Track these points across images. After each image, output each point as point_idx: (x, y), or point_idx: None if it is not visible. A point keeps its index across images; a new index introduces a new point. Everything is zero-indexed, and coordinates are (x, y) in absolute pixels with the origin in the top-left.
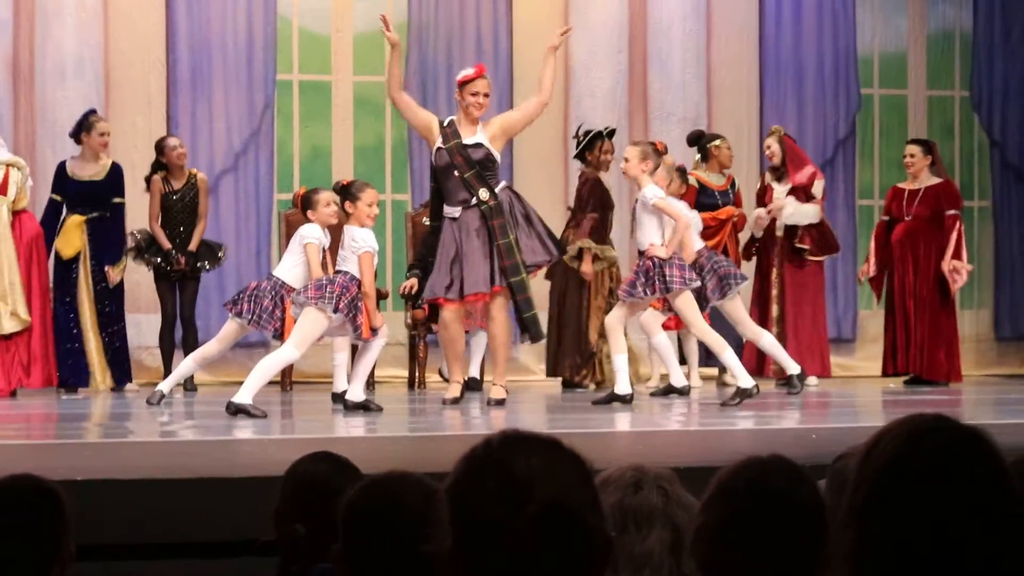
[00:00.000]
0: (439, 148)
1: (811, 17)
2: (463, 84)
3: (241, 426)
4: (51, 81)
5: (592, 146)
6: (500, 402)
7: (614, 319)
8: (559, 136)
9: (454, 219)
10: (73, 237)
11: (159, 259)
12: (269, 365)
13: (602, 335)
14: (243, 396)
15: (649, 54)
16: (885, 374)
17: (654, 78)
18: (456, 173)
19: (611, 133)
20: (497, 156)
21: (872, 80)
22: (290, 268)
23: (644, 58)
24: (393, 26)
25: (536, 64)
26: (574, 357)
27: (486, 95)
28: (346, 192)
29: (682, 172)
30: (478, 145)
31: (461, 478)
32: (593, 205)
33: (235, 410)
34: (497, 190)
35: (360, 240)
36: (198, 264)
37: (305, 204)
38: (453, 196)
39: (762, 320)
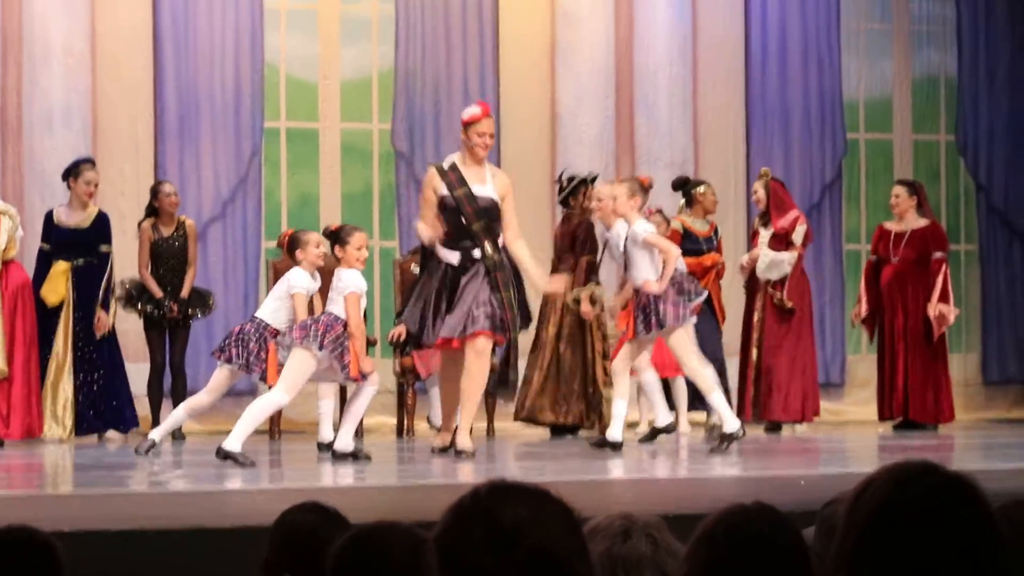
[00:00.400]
0: (444, 196)
1: (797, 62)
2: (469, 124)
3: (230, 476)
4: (39, 129)
5: (576, 192)
6: (467, 454)
7: (621, 362)
8: (546, 180)
9: (452, 266)
10: (59, 284)
11: (150, 307)
12: (258, 409)
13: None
14: (232, 443)
15: (636, 99)
16: (882, 418)
17: (641, 123)
18: (464, 222)
19: (594, 179)
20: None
21: (858, 124)
22: (273, 311)
23: (631, 103)
24: (380, 74)
25: (522, 109)
26: (577, 402)
27: (491, 135)
28: (335, 236)
29: (659, 213)
30: (488, 196)
31: (449, 527)
32: (590, 247)
33: (224, 455)
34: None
35: (346, 281)
36: (190, 311)
37: (292, 245)
38: (456, 241)
39: (743, 364)
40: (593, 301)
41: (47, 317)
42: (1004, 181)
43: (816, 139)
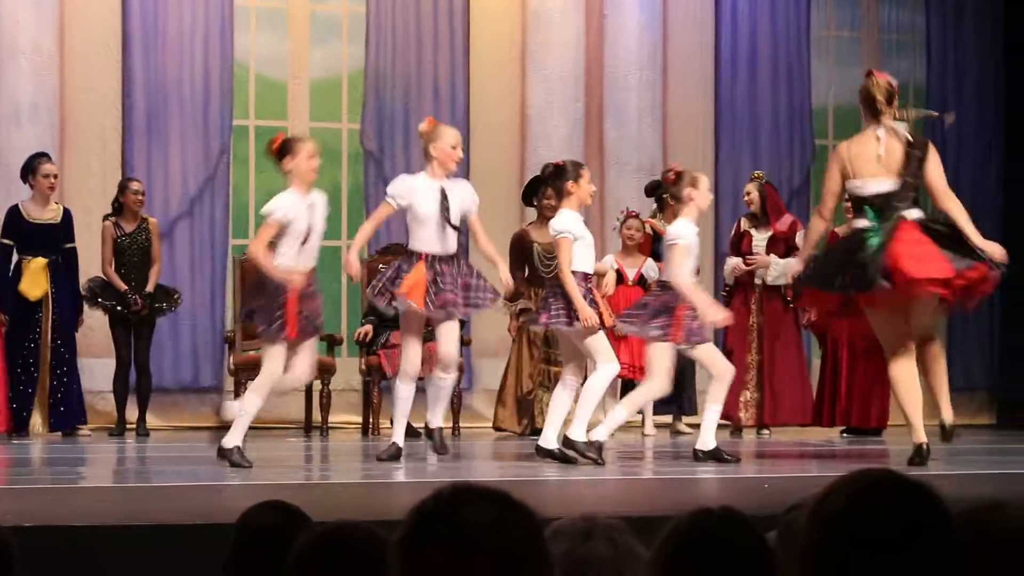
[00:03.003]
0: None
1: (766, 69)
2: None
3: (192, 473)
4: (7, 126)
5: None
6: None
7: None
8: (515, 183)
9: None
10: (40, 279)
11: (115, 303)
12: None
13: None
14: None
15: (606, 103)
16: (816, 424)
17: (610, 127)
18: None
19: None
20: None
21: (827, 131)
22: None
23: (600, 107)
24: (350, 73)
25: (492, 110)
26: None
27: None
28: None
29: (636, 217)
30: None
31: (411, 530)
32: (514, 259)
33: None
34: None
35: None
36: (155, 306)
37: (283, 151)
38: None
39: (739, 367)
40: (522, 312)
41: (28, 312)
42: (971, 188)
43: (785, 145)
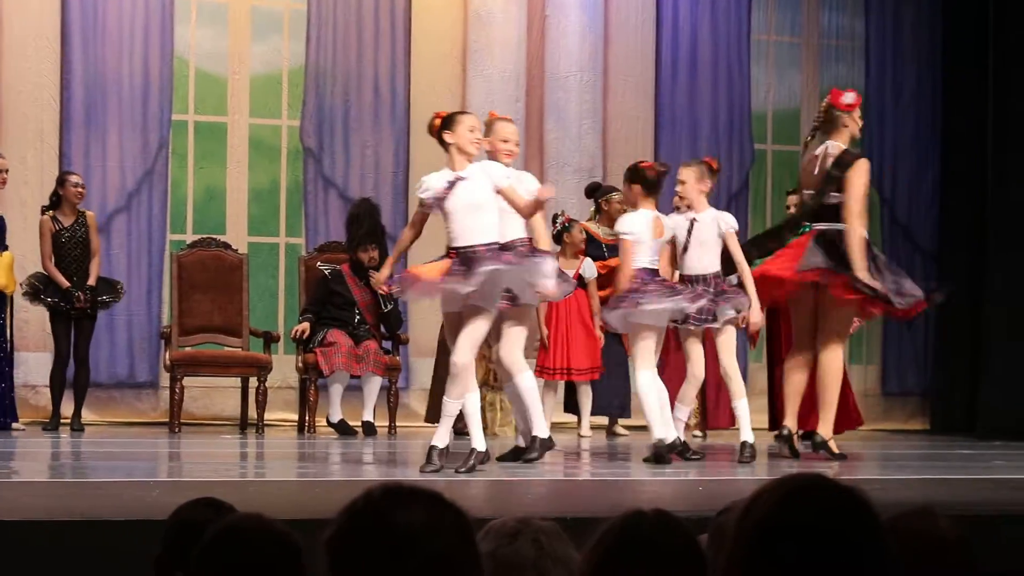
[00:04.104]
0: None
1: (706, 72)
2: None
3: (125, 468)
4: None
5: None
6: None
7: (731, 360)
8: None
9: None
10: (9, 273)
11: (58, 300)
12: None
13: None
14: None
15: (546, 104)
16: (773, 428)
17: (551, 128)
18: None
19: None
20: None
21: (765, 136)
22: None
23: (541, 108)
24: (291, 70)
25: (432, 109)
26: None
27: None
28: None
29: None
30: None
31: (341, 530)
32: None
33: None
34: None
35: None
36: (99, 300)
37: (445, 125)
38: None
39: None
40: None
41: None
42: (907, 196)
43: (724, 149)
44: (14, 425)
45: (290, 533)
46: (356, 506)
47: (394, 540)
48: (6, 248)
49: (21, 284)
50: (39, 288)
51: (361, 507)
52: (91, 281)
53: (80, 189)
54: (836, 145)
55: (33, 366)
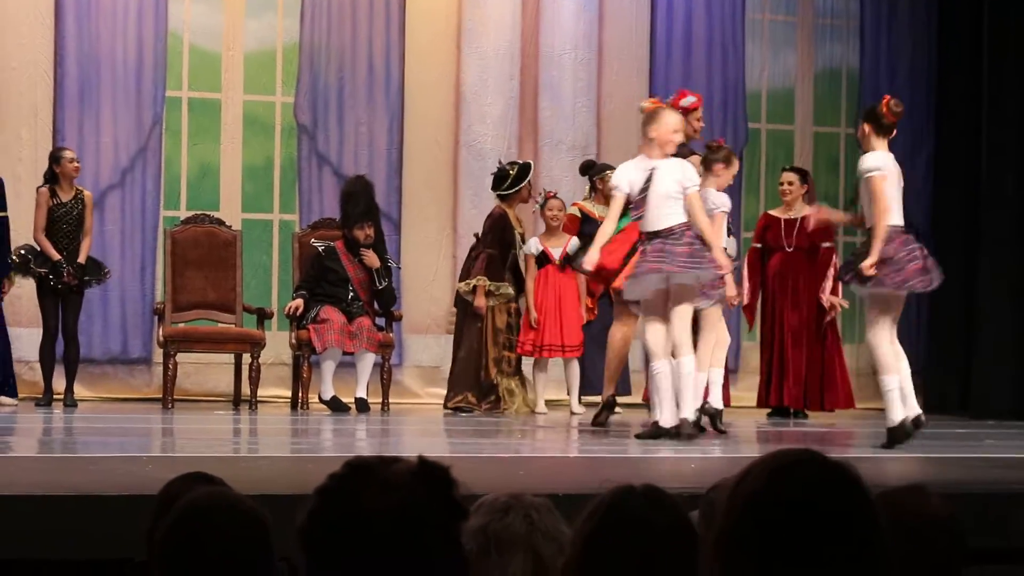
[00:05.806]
0: None
1: (701, 51)
2: (690, 111)
3: (118, 444)
4: None
5: (523, 179)
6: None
7: (879, 332)
8: (448, 161)
9: None
10: None
11: (46, 271)
12: None
13: (499, 368)
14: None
15: (540, 82)
16: (761, 405)
17: (545, 106)
18: None
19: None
20: None
21: (760, 115)
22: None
23: (535, 86)
24: (285, 47)
25: (427, 87)
26: (473, 388)
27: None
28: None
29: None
30: None
31: (314, 512)
32: (491, 241)
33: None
34: None
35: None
36: (85, 278)
37: (648, 119)
38: None
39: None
40: (489, 294)
41: None
42: (902, 174)
43: (718, 128)
44: (6, 401)
45: (256, 508)
46: (327, 486)
47: (362, 524)
48: (5, 211)
49: (11, 257)
50: (29, 260)
51: (333, 488)
52: (80, 259)
53: (76, 163)
54: None
55: (25, 341)
